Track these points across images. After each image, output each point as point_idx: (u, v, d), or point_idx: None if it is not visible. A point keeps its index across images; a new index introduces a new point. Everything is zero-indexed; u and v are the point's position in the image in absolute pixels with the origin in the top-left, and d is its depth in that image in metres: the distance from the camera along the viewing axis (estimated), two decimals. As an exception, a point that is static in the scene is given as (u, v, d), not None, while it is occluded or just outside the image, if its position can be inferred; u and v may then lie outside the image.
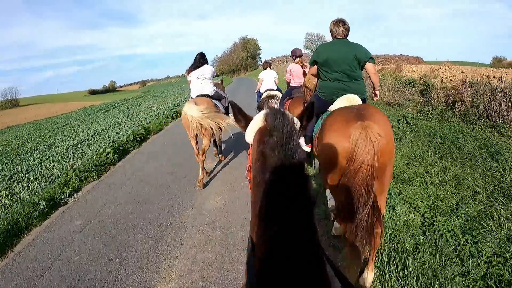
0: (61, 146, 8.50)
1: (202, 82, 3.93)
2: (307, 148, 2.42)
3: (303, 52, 5.24)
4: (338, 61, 2.29)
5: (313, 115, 0.92)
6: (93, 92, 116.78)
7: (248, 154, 0.98)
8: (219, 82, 5.16)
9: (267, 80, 5.60)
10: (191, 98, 3.96)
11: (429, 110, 6.02)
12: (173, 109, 12.25)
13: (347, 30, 2.40)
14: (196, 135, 3.74)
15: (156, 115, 10.94)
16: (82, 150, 7.21)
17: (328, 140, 1.84)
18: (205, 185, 3.95)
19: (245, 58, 54.27)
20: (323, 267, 0.61)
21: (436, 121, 5.59)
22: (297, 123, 0.80)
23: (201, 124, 3.48)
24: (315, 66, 2.51)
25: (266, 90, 5.43)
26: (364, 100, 2.38)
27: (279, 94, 5.14)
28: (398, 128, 5.51)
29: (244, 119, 0.96)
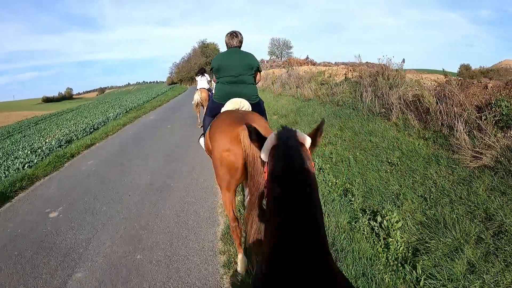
0: None
1: (202, 81, 7.83)
2: (203, 145, 2.62)
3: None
4: (231, 66, 2.50)
5: (322, 132, 0.94)
6: (47, 100, 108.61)
7: (265, 172, 0.94)
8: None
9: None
10: (198, 89, 7.71)
11: None
12: (56, 148, 6.95)
13: (241, 41, 2.63)
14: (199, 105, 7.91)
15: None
16: None
17: (218, 141, 1.95)
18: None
19: (203, 64, 51.79)
20: None
21: None
22: (307, 141, 0.88)
23: (201, 99, 7.67)
24: None
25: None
26: (254, 105, 2.50)
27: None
28: None
29: (258, 139, 0.96)
